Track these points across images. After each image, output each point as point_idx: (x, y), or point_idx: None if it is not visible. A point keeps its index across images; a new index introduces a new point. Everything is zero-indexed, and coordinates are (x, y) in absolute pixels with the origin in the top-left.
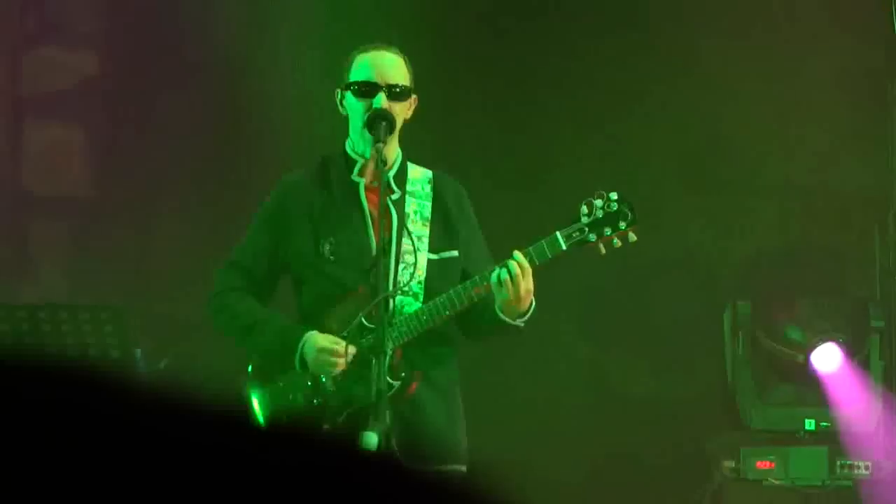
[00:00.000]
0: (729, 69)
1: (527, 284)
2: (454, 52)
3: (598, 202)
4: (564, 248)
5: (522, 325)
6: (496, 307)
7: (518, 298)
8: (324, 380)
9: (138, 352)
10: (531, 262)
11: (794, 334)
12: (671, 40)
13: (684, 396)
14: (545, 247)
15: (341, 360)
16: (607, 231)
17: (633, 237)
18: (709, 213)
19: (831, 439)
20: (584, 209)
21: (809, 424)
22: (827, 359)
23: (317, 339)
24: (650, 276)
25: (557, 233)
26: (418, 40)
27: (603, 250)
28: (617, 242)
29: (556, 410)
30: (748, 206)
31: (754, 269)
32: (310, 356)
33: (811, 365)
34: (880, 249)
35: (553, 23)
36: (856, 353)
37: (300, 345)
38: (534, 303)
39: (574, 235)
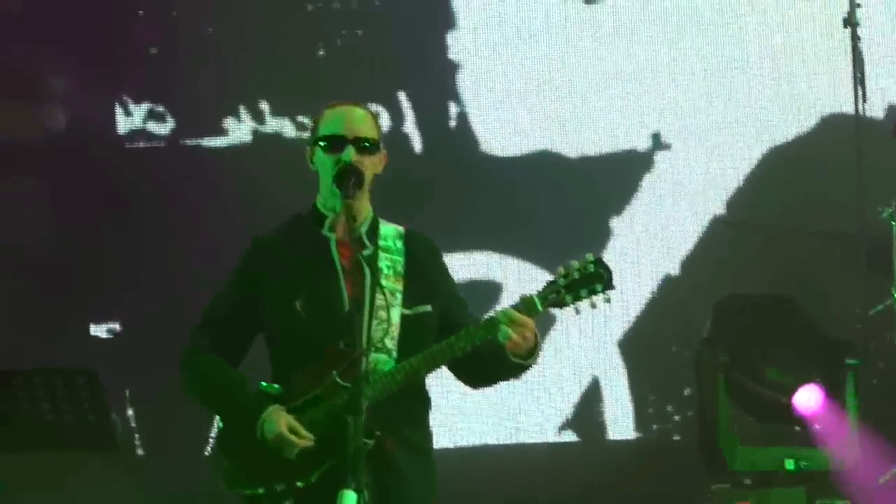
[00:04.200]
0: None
1: (532, 332)
2: None
3: (575, 264)
4: (540, 309)
5: (535, 362)
6: (508, 354)
7: (526, 346)
8: None
9: (114, 415)
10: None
11: (774, 375)
12: None
13: (666, 442)
14: (522, 309)
15: (297, 449)
16: (583, 293)
17: (607, 299)
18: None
19: (810, 479)
20: (562, 271)
21: (789, 465)
22: (808, 399)
23: (276, 422)
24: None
25: (534, 295)
26: None
27: (578, 312)
28: (592, 304)
29: (540, 455)
30: (725, 244)
31: (727, 306)
32: (268, 436)
33: (793, 406)
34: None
35: None
36: (834, 392)
37: (260, 422)
38: (539, 337)
39: (550, 297)
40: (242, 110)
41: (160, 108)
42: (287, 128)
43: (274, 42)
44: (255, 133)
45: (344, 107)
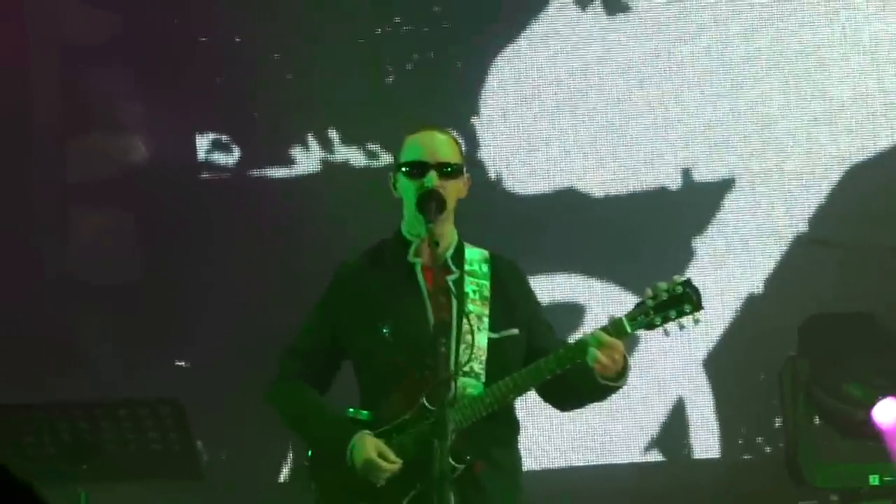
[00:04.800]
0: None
1: (621, 354)
2: None
3: (663, 285)
4: (629, 331)
5: (624, 384)
6: (597, 376)
7: (615, 368)
8: None
9: (199, 443)
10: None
11: (854, 391)
12: None
13: (746, 456)
14: (610, 331)
15: (386, 473)
16: (672, 314)
17: (697, 319)
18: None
19: None
20: (650, 292)
21: (874, 480)
22: (887, 413)
23: (365, 447)
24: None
25: (623, 317)
26: None
27: (667, 333)
28: (682, 325)
29: (626, 475)
30: (807, 262)
31: (812, 326)
32: (357, 461)
33: (871, 421)
34: None
35: None
36: None
37: (350, 448)
38: (627, 359)
39: (639, 319)
40: (311, 139)
41: (225, 139)
42: (357, 156)
43: (342, 68)
44: (325, 162)
45: (426, 132)
